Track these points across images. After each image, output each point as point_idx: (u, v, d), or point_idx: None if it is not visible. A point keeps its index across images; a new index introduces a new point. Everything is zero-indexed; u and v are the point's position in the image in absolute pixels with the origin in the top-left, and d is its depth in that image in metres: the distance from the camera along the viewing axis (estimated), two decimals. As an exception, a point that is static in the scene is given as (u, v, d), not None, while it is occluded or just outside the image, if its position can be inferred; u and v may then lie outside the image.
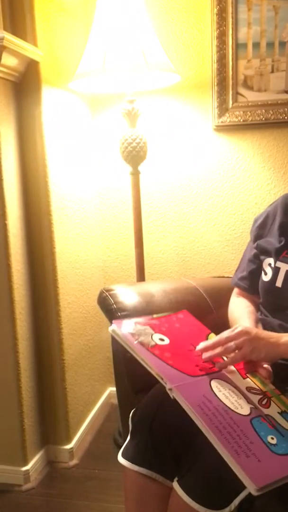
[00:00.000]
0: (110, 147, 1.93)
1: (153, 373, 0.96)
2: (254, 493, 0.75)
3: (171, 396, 0.90)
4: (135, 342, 1.02)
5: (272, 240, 1.26)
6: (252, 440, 0.83)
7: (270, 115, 1.78)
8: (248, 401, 0.93)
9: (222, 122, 1.82)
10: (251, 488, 0.75)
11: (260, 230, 1.32)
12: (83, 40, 1.61)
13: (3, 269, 1.51)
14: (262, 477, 0.76)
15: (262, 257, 1.28)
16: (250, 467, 0.78)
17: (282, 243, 1.22)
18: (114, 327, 1.06)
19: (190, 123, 1.87)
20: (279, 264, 1.21)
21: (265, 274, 1.24)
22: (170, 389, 0.91)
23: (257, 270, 1.30)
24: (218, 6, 1.73)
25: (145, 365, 0.99)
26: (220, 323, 1.39)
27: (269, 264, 1.24)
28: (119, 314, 1.33)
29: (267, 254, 1.26)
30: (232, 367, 1.01)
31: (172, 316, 1.16)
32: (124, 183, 1.93)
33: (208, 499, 0.90)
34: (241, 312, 1.30)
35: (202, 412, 0.86)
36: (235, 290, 1.40)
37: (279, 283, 1.19)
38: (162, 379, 0.93)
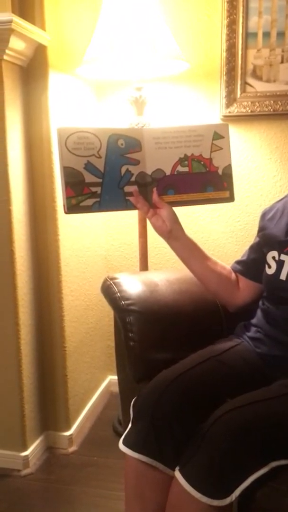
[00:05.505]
0: (116, 134, 1.91)
1: None
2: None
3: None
4: None
5: (278, 234, 1.25)
6: None
7: (278, 106, 1.76)
8: None
9: (229, 112, 1.80)
10: None
11: (268, 222, 1.32)
12: (91, 25, 1.59)
13: (6, 255, 1.51)
14: None
15: (265, 250, 1.28)
16: None
17: None
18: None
19: (198, 113, 1.85)
20: (283, 257, 1.21)
21: (269, 267, 1.24)
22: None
23: (258, 259, 1.30)
24: (229, -6, 1.71)
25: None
26: (223, 313, 1.39)
27: (273, 257, 1.23)
28: (122, 302, 1.33)
29: (271, 246, 1.25)
30: None
31: None
32: (129, 171, 1.92)
33: (210, 488, 0.90)
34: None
35: None
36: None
37: (283, 276, 1.19)
38: None
